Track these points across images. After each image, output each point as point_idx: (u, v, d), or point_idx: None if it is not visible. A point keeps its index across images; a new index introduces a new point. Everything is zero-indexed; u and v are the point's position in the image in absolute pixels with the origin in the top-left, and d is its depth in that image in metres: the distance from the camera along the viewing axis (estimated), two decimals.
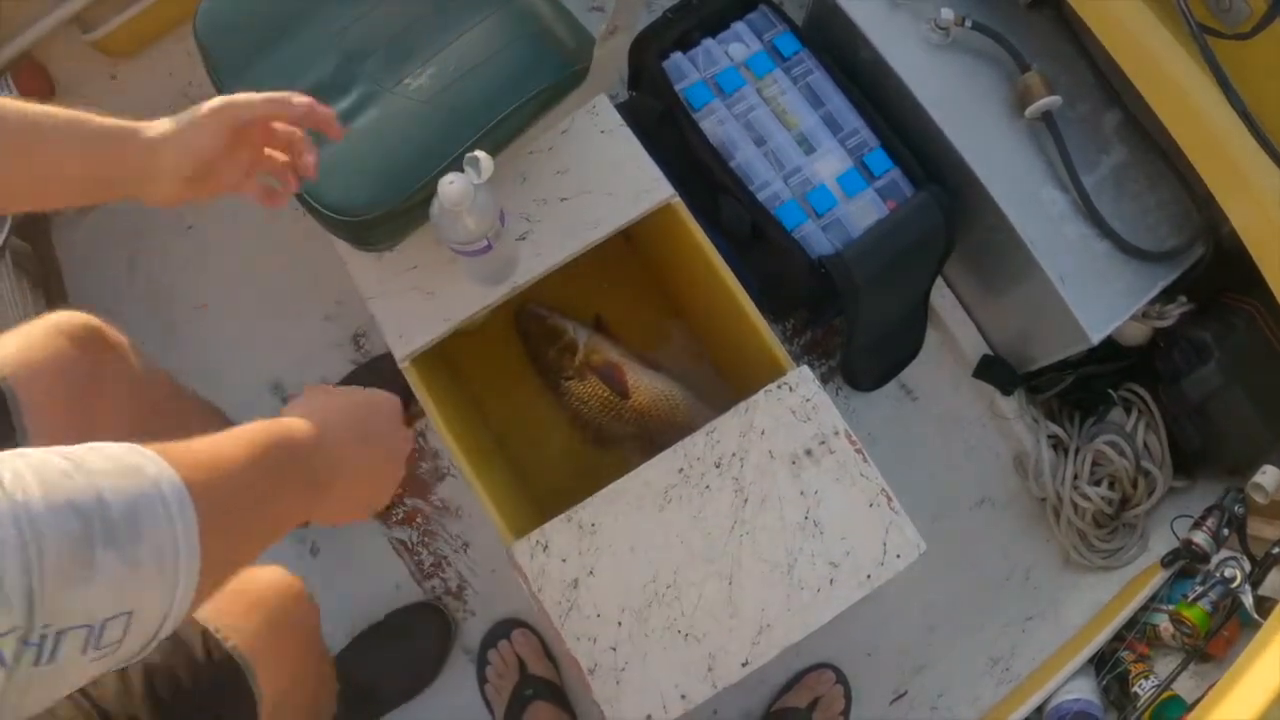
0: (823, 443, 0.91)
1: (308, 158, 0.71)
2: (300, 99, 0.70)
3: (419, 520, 1.22)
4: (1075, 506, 1.18)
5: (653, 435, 1.08)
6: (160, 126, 0.66)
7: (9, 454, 0.37)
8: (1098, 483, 1.18)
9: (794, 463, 0.90)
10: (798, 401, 0.92)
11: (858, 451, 0.90)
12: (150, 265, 1.31)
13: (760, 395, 0.91)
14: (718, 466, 0.90)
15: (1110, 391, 1.20)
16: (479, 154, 0.79)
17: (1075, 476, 1.18)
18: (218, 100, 0.67)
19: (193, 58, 1.31)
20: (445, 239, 0.84)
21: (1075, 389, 1.22)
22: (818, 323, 1.25)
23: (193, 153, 0.65)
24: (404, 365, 0.93)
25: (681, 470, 0.89)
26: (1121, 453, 1.16)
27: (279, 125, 0.71)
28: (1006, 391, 1.22)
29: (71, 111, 0.63)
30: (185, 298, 1.29)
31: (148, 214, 1.26)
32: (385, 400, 0.64)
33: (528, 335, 1.14)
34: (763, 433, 0.90)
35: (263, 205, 0.73)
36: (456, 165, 0.83)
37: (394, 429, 0.64)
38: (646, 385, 1.10)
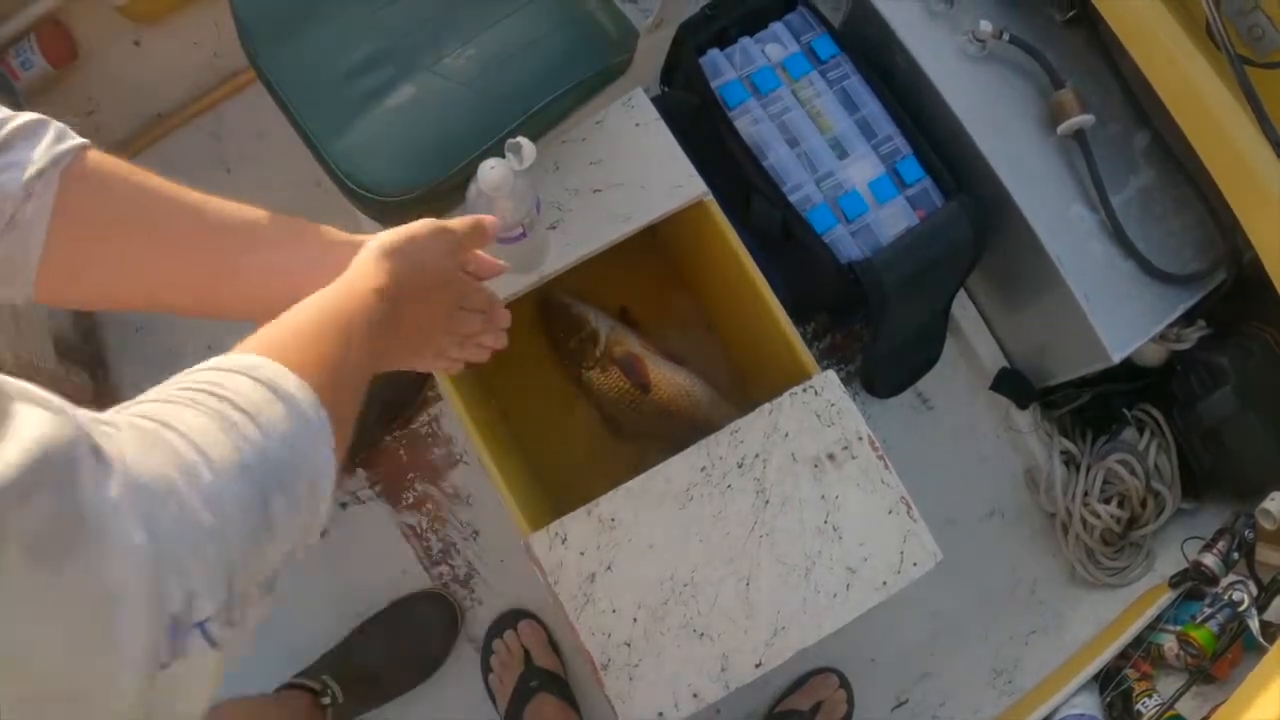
0: (845, 447, 0.91)
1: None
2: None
3: (429, 506, 1.21)
4: (1085, 523, 1.18)
5: (672, 430, 1.07)
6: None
7: (158, 420, 0.34)
8: (1108, 500, 1.18)
9: (816, 466, 0.90)
10: (823, 405, 0.92)
11: (879, 458, 0.90)
12: None
13: (785, 397, 0.91)
14: (740, 466, 0.90)
15: (1124, 411, 1.21)
16: (521, 140, 0.78)
17: (1086, 493, 1.18)
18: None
19: (220, 27, 1.29)
20: None
21: (1090, 406, 1.23)
22: (839, 327, 1.25)
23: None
24: None
25: (704, 469, 0.89)
26: (1133, 472, 1.16)
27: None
28: (1022, 405, 1.23)
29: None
30: None
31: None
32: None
33: (550, 323, 1.13)
34: (786, 435, 0.90)
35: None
36: (494, 150, 0.82)
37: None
38: (668, 379, 1.09)
